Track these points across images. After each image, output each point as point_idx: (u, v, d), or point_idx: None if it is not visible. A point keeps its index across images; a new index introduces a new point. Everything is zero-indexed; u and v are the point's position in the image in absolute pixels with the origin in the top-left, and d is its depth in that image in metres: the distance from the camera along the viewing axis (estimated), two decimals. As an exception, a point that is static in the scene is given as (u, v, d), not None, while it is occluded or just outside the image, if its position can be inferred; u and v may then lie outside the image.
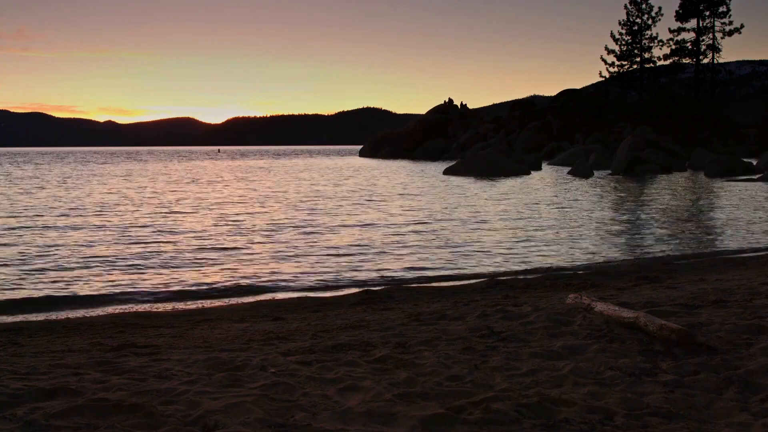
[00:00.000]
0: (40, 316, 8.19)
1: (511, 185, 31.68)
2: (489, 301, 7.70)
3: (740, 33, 76.84)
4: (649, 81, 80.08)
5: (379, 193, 27.81)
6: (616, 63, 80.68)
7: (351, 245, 13.67)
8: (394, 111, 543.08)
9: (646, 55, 79.84)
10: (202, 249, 13.20)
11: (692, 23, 78.16)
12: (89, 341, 6.35)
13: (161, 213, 20.10)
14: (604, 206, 21.62)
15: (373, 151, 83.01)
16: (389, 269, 11.22)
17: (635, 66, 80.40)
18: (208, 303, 9.00)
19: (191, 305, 8.87)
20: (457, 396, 4.08)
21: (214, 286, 9.99)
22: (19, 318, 8.11)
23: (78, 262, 11.63)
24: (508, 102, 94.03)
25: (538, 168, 46.93)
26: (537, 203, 22.48)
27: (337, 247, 13.39)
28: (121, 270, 11.04)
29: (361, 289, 9.64)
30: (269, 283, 10.21)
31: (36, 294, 9.32)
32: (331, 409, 3.89)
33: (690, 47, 78.06)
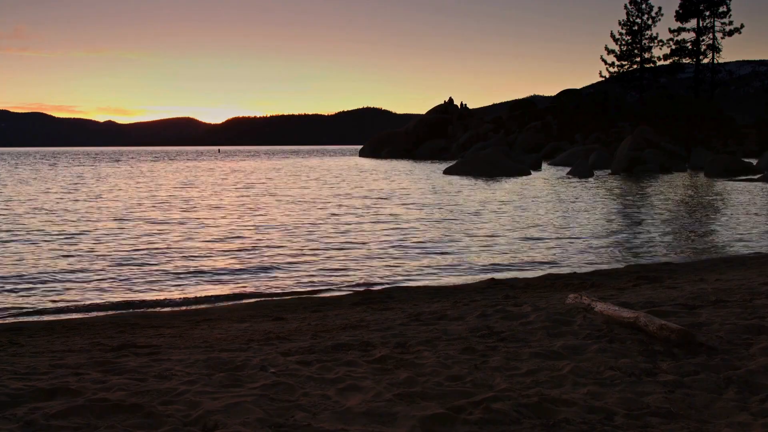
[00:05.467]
0: (40, 317, 8.19)
1: (511, 185, 31.67)
2: (489, 301, 7.70)
3: (740, 33, 76.83)
4: (649, 81, 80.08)
5: (379, 193, 27.80)
6: (616, 63, 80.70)
7: (351, 245, 13.66)
8: (394, 111, 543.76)
9: (646, 55, 79.85)
10: (202, 249, 13.20)
11: (692, 23, 78.16)
12: (89, 341, 6.35)
13: (168, 211, 20.11)
14: (604, 206, 21.62)
15: (373, 151, 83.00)
16: (389, 269, 11.21)
17: (635, 66, 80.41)
18: (208, 303, 9.00)
19: (191, 305, 8.86)
20: (457, 396, 4.08)
21: (215, 285, 9.99)
22: (19, 318, 8.11)
23: (84, 262, 11.63)
24: (508, 102, 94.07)
25: (538, 168, 46.93)
26: (537, 203, 22.48)
27: (338, 247, 13.39)
28: (121, 270, 11.04)
29: (361, 289, 9.64)
30: (269, 283, 10.20)
31: (35, 295, 9.32)
32: (331, 409, 3.89)
33: (690, 47, 78.05)
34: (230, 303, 8.99)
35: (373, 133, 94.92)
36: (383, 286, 9.87)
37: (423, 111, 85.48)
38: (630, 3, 79.51)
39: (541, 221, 17.57)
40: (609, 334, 5.41)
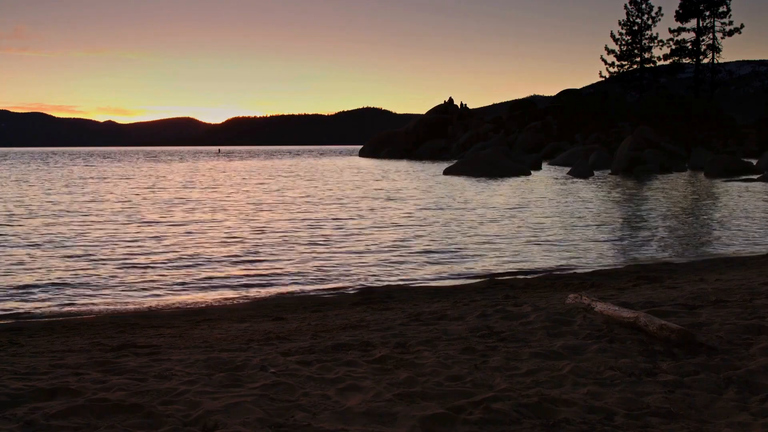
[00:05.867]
0: (40, 317, 8.19)
1: (511, 185, 31.67)
2: (489, 301, 7.70)
3: (740, 33, 76.93)
4: (649, 81, 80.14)
5: (379, 193, 27.81)
6: (616, 63, 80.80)
7: (351, 245, 13.66)
8: (394, 111, 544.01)
9: (646, 55, 79.94)
10: (202, 249, 13.20)
11: (692, 23, 78.25)
12: (89, 341, 6.35)
13: (167, 212, 20.11)
14: (603, 206, 21.62)
15: (373, 151, 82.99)
16: (389, 269, 11.21)
17: (635, 66, 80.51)
18: (208, 303, 9.00)
19: (191, 305, 8.86)
20: (457, 396, 4.08)
21: (215, 285, 9.98)
22: (19, 318, 8.11)
23: (84, 262, 11.64)
24: (508, 102, 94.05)
25: (538, 168, 46.92)
26: (537, 203, 22.48)
27: (338, 247, 13.39)
28: (121, 270, 11.04)
29: (361, 289, 9.64)
30: (269, 283, 10.21)
31: (35, 295, 9.31)
32: (331, 409, 3.89)
33: (690, 47, 78.13)
34: (230, 303, 8.99)
35: (373, 133, 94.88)
36: (383, 286, 9.87)
37: (423, 111, 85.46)
38: (630, 3, 79.60)
39: (541, 221, 17.57)
40: (609, 334, 5.41)
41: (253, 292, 9.61)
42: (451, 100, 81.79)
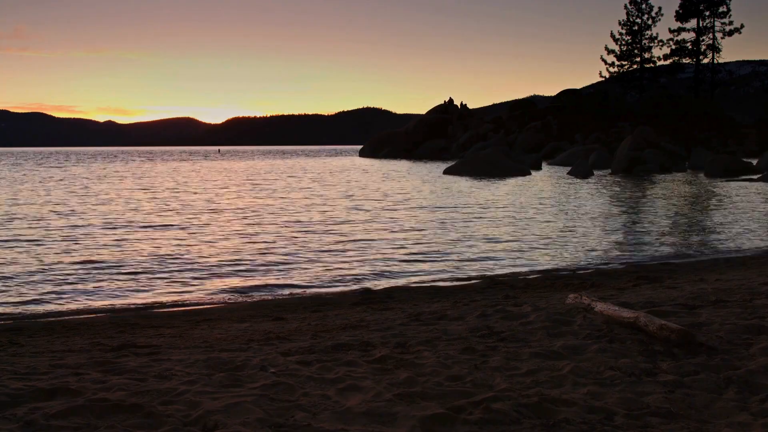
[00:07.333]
0: (40, 317, 8.19)
1: (511, 185, 31.67)
2: (489, 301, 7.70)
3: (740, 33, 77.06)
4: (649, 81, 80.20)
5: (379, 193, 27.81)
6: (616, 63, 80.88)
7: (351, 245, 13.66)
8: (394, 111, 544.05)
9: (646, 55, 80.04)
10: (202, 249, 13.20)
11: (692, 23, 78.35)
12: (89, 341, 6.35)
13: (167, 212, 20.11)
14: (603, 206, 21.62)
15: (373, 151, 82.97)
16: (389, 269, 11.22)
17: (635, 66, 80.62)
18: (208, 303, 9.00)
19: (191, 305, 8.86)
20: (457, 396, 4.08)
21: (215, 285, 9.98)
22: (19, 318, 8.10)
23: (84, 262, 11.63)
24: (508, 102, 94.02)
25: (538, 168, 46.92)
26: (537, 203, 22.48)
27: (338, 247, 13.39)
28: (121, 270, 11.04)
29: (360, 289, 9.64)
30: (269, 283, 10.20)
31: (35, 295, 9.31)
32: (331, 409, 3.89)
33: (690, 47, 78.23)
34: (230, 303, 8.99)
35: (373, 133, 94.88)
36: (383, 286, 9.87)
37: (423, 111, 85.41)
38: (630, 3, 79.67)
39: (541, 221, 17.57)
40: (609, 334, 5.41)
41: (253, 292, 9.62)
42: (451, 100, 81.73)
